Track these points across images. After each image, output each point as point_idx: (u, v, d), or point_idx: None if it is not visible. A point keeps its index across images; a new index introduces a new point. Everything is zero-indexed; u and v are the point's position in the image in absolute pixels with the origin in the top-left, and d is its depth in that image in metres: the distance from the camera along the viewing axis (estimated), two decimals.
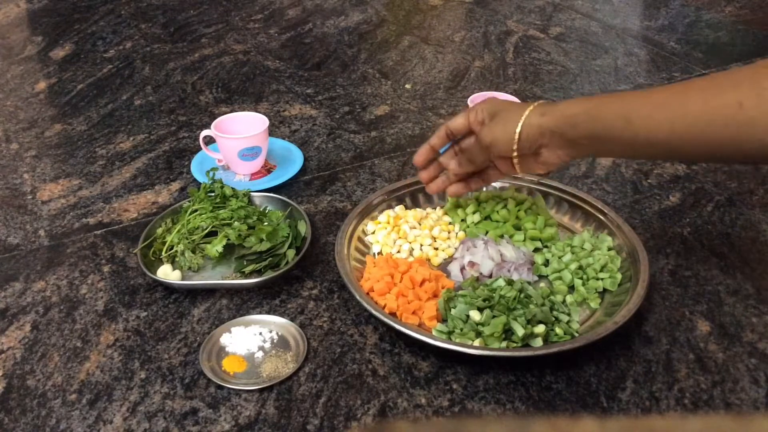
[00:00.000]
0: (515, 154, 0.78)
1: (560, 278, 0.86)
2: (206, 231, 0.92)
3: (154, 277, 0.86)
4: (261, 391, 0.73)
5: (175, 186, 1.09)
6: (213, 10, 1.80)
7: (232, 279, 0.88)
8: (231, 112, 1.20)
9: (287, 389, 0.74)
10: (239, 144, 1.05)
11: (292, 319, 0.82)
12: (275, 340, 0.79)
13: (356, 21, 1.73)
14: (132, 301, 0.86)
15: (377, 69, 1.48)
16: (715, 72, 0.66)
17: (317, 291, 0.87)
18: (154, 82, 1.43)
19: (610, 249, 0.89)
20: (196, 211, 0.94)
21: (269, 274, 0.87)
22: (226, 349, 0.78)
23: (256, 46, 1.60)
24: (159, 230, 0.93)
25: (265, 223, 0.93)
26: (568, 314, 0.80)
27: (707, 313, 0.83)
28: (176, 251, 0.90)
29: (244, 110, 1.25)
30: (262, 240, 0.90)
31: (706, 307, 0.84)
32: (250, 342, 0.78)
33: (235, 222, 0.92)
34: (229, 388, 0.73)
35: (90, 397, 0.73)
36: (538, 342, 0.76)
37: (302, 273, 0.89)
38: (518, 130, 0.76)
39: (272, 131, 1.22)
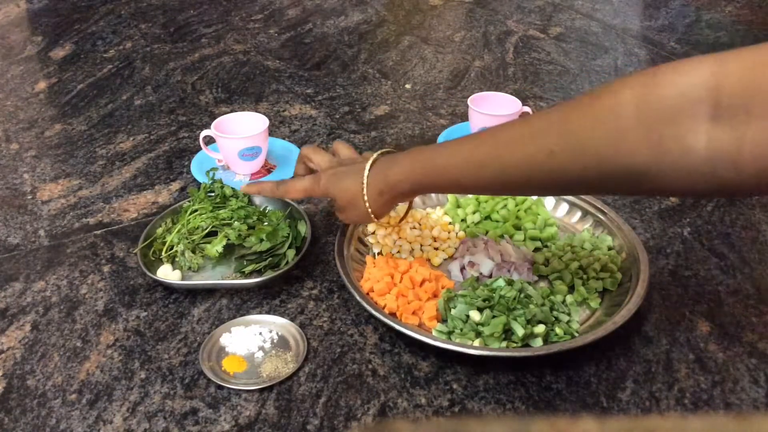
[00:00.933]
0: (374, 219, 0.83)
1: (560, 278, 0.86)
2: (206, 231, 0.92)
3: (154, 277, 0.86)
4: (261, 391, 0.73)
5: (175, 186, 1.09)
6: (213, 10, 1.80)
7: (232, 279, 0.88)
8: (231, 112, 1.20)
9: (287, 389, 0.74)
10: (239, 144, 1.05)
11: (292, 319, 0.82)
12: (275, 340, 0.79)
13: (356, 21, 1.73)
14: (132, 301, 0.86)
15: (377, 69, 1.48)
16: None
17: (317, 291, 0.87)
18: (154, 82, 1.43)
19: (610, 249, 0.89)
20: (196, 211, 0.94)
21: (269, 274, 0.87)
22: (226, 349, 0.78)
23: (256, 46, 1.60)
24: (159, 230, 0.93)
25: (265, 223, 0.93)
26: (568, 314, 0.80)
27: (707, 313, 0.83)
28: (176, 251, 0.90)
29: (244, 110, 1.25)
30: (262, 240, 0.90)
31: (706, 307, 0.84)
32: (250, 342, 0.78)
33: (235, 222, 0.92)
34: (229, 388, 0.73)
35: (90, 397, 0.73)
36: (538, 342, 0.76)
37: (302, 273, 0.89)
38: (370, 211, 0.81)
39: (272, 131, 1.22)
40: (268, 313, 0.83)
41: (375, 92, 1.38)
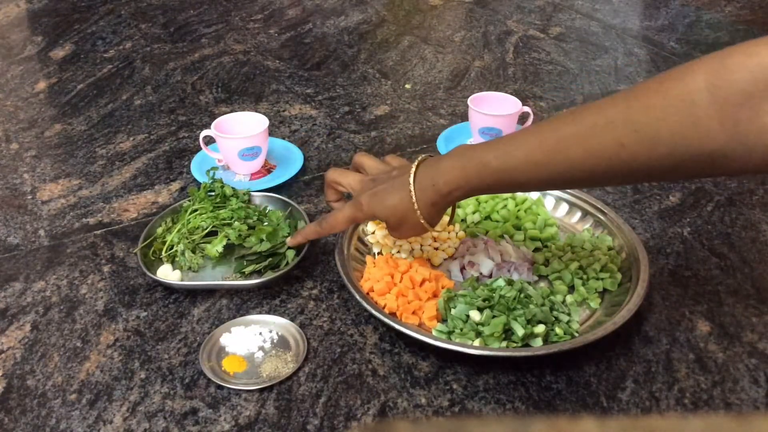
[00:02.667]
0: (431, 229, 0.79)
1: (560, 278, 0.86)
2: (206, 231, 0.92)
3: (153, 277, 0.86)
4: (261, 391, 0.73)
5: (175, 186, 1.09)
6: (213, 10, 1.80)
7: (232, 279, 0.88)
8: (231, 112, 1.20)
9: (287, 389, 0.74)
10: (239, 144, 1.05)
11: (292, 319, 0.82)
12: (275, 340, 0.79)
13: (356, 21, 1.73)
14: (132, 301, 0.86)
15: (377, 69, 1.48)
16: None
17: (317, 291, 0.87)
18: (154, 82, 1.43)
19: (610, 249, 0.89)
20: (196, 210, 0.94)
21: (269, 275, 0.86)
22: (226, 349, 0.78)
23: (256, 46, 1.60)
24: (159, 230, 0.93)
25: (265, 224, 0.93)
26: (568, 314, 0.80)
27: (707, 313, 0.83)
28: (176, 251, 0.90)
29: (244, 110, 1.25)
30: (262, 240, 0.90)
31: (706, 307, 0.84)
32: (250, 342, 0.78)
33: (236, 222, 0.92)
34: (229, 388, 0.73)
35: (90, 397, 0.73)
36: (538, 342, 0.76)
37: (302, 273, 0.89)
38: (426, 224, 0.77)
39: (272, 131, 1.22)
40: (268, 313, 0.83)
41: (375, 92, 1.38)
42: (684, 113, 0.59)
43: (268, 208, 0.99)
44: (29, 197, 1.07)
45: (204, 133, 1.09)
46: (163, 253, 0.90)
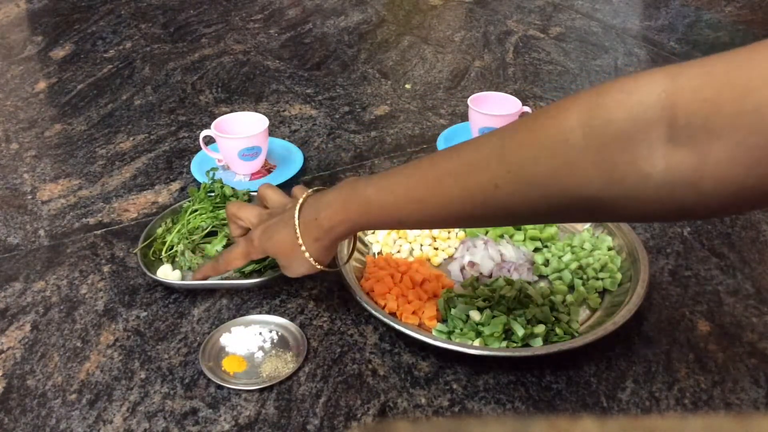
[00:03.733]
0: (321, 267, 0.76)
1: (560, 278, 0.86)
2: (206, 231, 0.92)
3: (153, 277, 0.86)
4: (261, 391, 0.73)
5: (175, 186, 1.09)
6: (213, 10, 1.80)
7: (232, 279, 0.88)
8: (231, 112, 1.20)
9: (287, 389, 0.74)
10: (239, 144, 1.05)
11: (292, 319, 0.82)
12: (275, 340, 0.79)
13: (356, 21, 1.73)
14: (132, 301, 0.86)
15: (377, 69, 1.48)
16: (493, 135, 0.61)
17: (317, 291, 0.87)
18: (154, 82, 1.43)
19: (610, 249, 0.89)
20: (196, 211, 0.94)
21: (269, 274, 0.86)
22: (226, 349, 0.78)
23: (256, 46, 1.60)
24: (159, 230, 0.93)
25: None
26: (568, 314, 0.80)
27: (707, 313, 0.83)
28: (176, 251, 0.90)
29: (244, 110, 1.25)
30: None
31: (706, 307, 0.84)
32: (250, 342, 0.78)
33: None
34: (229, 388, 0.73)
35: (90, 397, 0.73)
36: (538, 342, 0.76)
37: None
38: (313, 261, 0.74)
39: (272, 131, 1.22)
40: (268, 313, 0.83)
41: (375, 92, 1.38)
42: (557, 154, 0.54)
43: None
44: (29, 197, 1.07)
45: (204, 133, 1.09)
46: (163, 253, 0.90)
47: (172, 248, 0.90)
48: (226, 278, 0.88)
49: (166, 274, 0.88)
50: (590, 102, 0.53)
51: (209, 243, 0.91)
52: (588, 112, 0.53)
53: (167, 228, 0.93)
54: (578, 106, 0.53)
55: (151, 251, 0.90)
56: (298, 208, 0.73)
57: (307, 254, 0.73)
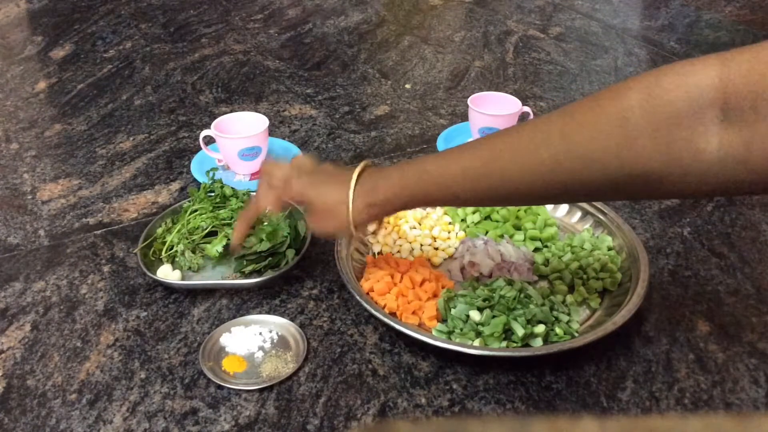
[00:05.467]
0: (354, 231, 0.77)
1: (560, 278, 0.86)
2: (206, 231, 0.92)
3: (154, 277, 0.86)
4: (261, 391, 0.73)
5: (175, 186, 1.09)
6: (213, 10, 1.80)
7: (232, 279, 0.88)
8: (231, 112, 1.20)
9: (287, 389, 0.74)
10: (239, 144, 1.05)
11: (292, 319, 0.82)
12: (275, 340, 0.79)
13: (356, 21, 1.73)
14: (132, 301, 0.86)
15: (377, 69, 1.48)
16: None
17: (317, 291, 0.87)
18: (154, 82, 1.43)
19: (610, 249, 0.89)
20: (195, 211, 0.94)
21: (269, 274, 0.87)
22: (226, 349, 0.78)
23: (256, 46, 1.60)
24: (159, 230, 0.93)
25: (265, 223, 0.93)
26: (569, 314, 0.80)
27: (707, 313, 0.83)
28: (176, 251, 0.90)
29: (244, 110, 1.25)
30: (261, 240, 0.89)
31: (706, 307, 0.84)
32: (250, 342, 0.78)
33: (235, 222, 0.92)
34: (229, 388, 0.73)
35: (90, 397, 0.73)
36: (538, 342, 0.76)
37: (302, 273, 0.89)
38: (352, 222, 0.74)
39: (272, 131, 1.22)
40: (268, 313, 0.83)
41: (375, 92, 1.38)
42: (617, 133, 0.58)
43: (268, 209, 0.98)
44: (29, 197, 1.07)
45: (204, 133, 1.09)
46: (163, 253, 0.90)
47: (172, 248, 0.90)
48: (226, 278, 0.88)
49: (166, 274, 0.88)
50: (650, 83, 0.57)
51: (209, 243, 0.91)
52: (647, 92, 0.57)
53: (167, 228, 0.93)
54: (638, 87, 0.57)
55: (151, 251, 0.90)
56: (357, 172, 0.74)
57: (351, 215, 0.74)
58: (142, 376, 0.76)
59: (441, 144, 1.17)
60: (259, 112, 1.13)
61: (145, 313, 0.84)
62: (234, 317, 0.82)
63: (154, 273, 0.87)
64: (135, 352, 0.78)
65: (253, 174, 1.10)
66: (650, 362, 0.76)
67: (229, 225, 0.92)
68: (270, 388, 0.74)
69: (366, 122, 1.27)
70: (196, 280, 0.88)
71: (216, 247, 0.89)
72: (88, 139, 1.22)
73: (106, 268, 0.91)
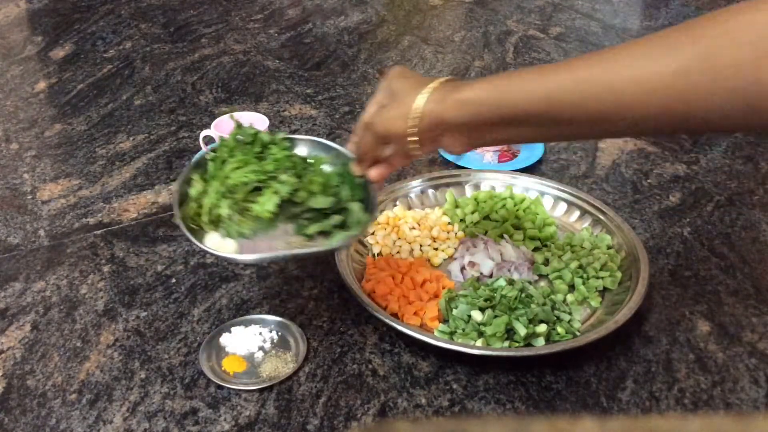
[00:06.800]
0: (413, 140, 0.68)
1: (560, 277, 0.86)
2: (252, 187, 0.76)
3: (215, 252, 0.72)
4: (261, 391, 0.73)
5: (175, 186, 1.09)
6: (213, 10, 1.80)
7: (302, 246, 0.74)
8: (231, 112, 1.20)
9: (287, 389, 0.74)
10: None
11: (292, 319, 0.82)
12: (275, 340, 0.79)
13: (356, 21, 1.73)
14: (132, 301, 0.86)
15: (377, 69, 1.48)
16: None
17: (317, 291, 0.87)
18: (154, 82, 1.43)
19: (609, 247, 0.89)
20: (227, 163, 0.78)
21: (340, 235, 0.74)
22: (226, 349, 0.78)
23: (256, 46, 1.60)
24: (193, 191, 0.76)
25: (314, 173, 0.79)
26: (569, 313, 0.80)
27: (707, 313, 0.83)
28: (220, 215, 0.74)
29: (244, 110, 1.25)
30: (313, 194, 0.76)
31: (706, 307, 0.84)
32: (250, 342, 0.78)
33: (283, 174, 0.76)
34: (229, 388, 0.73)
35: (90, 397, 0.73)
36: (540, 342, 0.76)
37: (302, 273, 0.89)
38: (414, 119, 0.66)
39: (272, 131, 1.22)
40: (268, 313, 0.83)
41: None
42: (759, 46, 0.53)
43: (311, 154, 0.83)
44: (29, 197, 1.07)
45: (204, 133, 1.09)
46: (204, 217, 0.74)
47: (211, 212, 0.75)
48: (291, 244, 0.76)
49: (218, 244, 0.73)
50: None
51: (256, 202, 0.75)
52: None
53: (204, 190, 0.76)
54: None
55: (188, 217, 0.75)
56: (436, 83, 0.67)
57: (420, 100, 0.65)
58: (142, 376, 0.76)
59: None
60: (259, 112, 1.13)
61: (145, 313, 0.84)
62: (234, 317, 0.82)
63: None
64: (135, 352, 0.78)
65: None
66: (650, 362, 0.76)
67: (274, 178, 0.76)
68: (270, 388, 0.74)
69: None
70: (262, 251, 0.74)
71: (266, 206, 0.74)
72: (88, 139, 1.22)
73: (106, 268, 0.91)
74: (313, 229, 0.75)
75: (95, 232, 0.99)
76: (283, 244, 0.74)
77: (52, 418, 0.71)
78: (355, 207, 0.76)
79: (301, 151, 0.82)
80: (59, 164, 1.15)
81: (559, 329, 0.77)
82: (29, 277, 0.90)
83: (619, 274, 0.85)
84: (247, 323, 0.81)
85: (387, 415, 0.71)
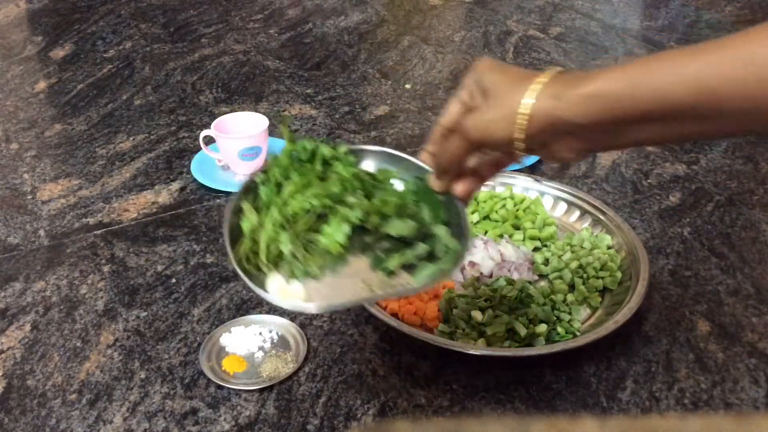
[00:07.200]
0: (520, 147, 0.55)
1: (560, 277, 0.86)
2: (316, 215, 0.63)
3: (281, 304, 0.60)
4: (261, 391, 0.73)
5: (175, 186, 1.09)
6: (213, 10, 1.80)
7: (389, 285, 0.61)
8: (231, 112, 1.20)
9: (287, 389, 0.74)
10: (239, 144, 1.05)
11: (292, 319, 0.82)
12: (275, 340, 0.79)
13: (356, 21, 1.73)
14: (132, 301, 0.86)
15: (377, 69, 1.48)
16: None
17: None
18: (154, 82, 1.43)
19: (609, 247, 0.89)
20: (281, 185, 0.65)
21: (428, 268, 0.61)
22: (226, 349, 0.78)
23: (256, 46, 1.60)
24: (246, 225, 0.63)
25: (386, 192, 0.64)
26: (570, 313, 0.80)
27: (707, 313, 0.83)
28: (281, 253, 0.61)
29: (244, 110, 1.25)
30: (386, 217, 0.62)
31: (706, 307, 0.84)
32: (250, 342, 0.78)
33: (350, 197, 0.63)
34: (229, 388, 0.73)
35: (90, 397, 0.73)
36: (541, 342, 0.76)
37: None
38: (522, 121, 0.54)
39: (272, 131, 1.22)
40: (268, 313, 0.83)
41: (375, 92, 1.38)
42: None
43: (377, 167, 0.68)
44: (29, 197, 1.07)
45: (204, 133, 1.09)
46: (261, 256, 0.61)
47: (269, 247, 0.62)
48: (370, 284, 0.62)
49: (284, 288, 0.61)
50: None
51: (322, 232, 0.62)
52: None
53: (259, 222, 0.63)
54: None
55: (240, 256, 0.62)
56: (552, 72, 0.55)
57: (529, 97, 0.54)
58: (142, 376, 0.76)
59: None
60: (259, 112, 1.13)
61: (145, 313, 0.84)
62: (234, 317, 0.82)
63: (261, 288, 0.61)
64: (135, 352, 0.78)
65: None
66: (650, 362, 0.76)
67: (342, 202, 0.63)
68: (270, 388, 0.74)
69: (366, 122, 1.27)
70: (334, 293, 0.60)
71: (336, 236, 0.61)
72: (88, 139, 1.22)
73: (106, 268, 0.91)
74: (393, 262, 0.62)
75: (95, 232, 0.99)
76: (361, 283, 0.61)
77: (52, 418, 0.71)
78: (442, 232, 0.62)
79: (366, 164, 0.68)
80: (59, 164, 1.15)
81: (559, 329, 0.77)
82: (29, 277, 0.90)
83: (619, 274, 0.85)
84: (247, 323, 0.81)
85: (387, 415, 0.71)
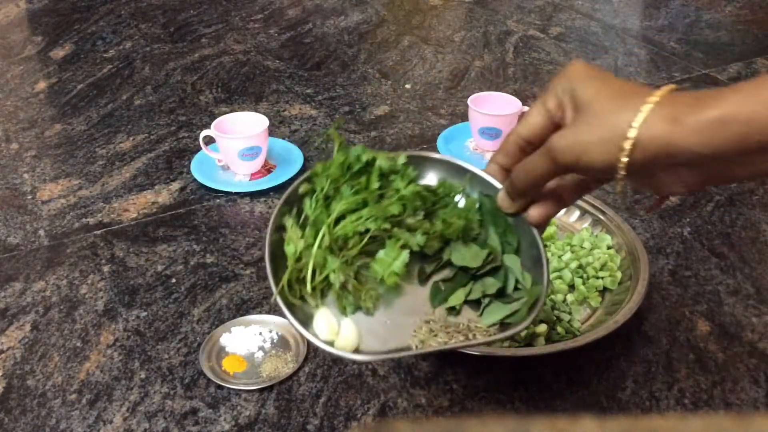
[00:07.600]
0: (621, 177, 0.48)
1: (560, 277, 0.86)
2: (367, 237, 0.55)
3: (330, 350, 0.53)
4: (261, 391, 0.73)
5: (175, 186, 1.09)
6: (213, 10, 1.80)
7: (458, 331, 0.53)
8: (231, 112, 1.20)
9: (287, 389, 0.74)
10: (239, 144, 1.05)
11: None
12: (275, 340, 0.79)
13: (356, 21, 1.73)
14: (132, 301, 0.86)
15: (377, 69, 1.48)
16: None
17: None
18: (154, 82, 1.43)
19: (609, 247, 0.89)
20: (326, 203, 0.55)
21: (501, 310, 0.53)
22: (226, 349, 0.78)
23: (256, 46, 1.60)
24: (289, 248, 0.54)
25: (449, 211, 0.56)
26: (570, 313, 0.80)
27: (707, 313, 0.83)
28: (330, 284, 0.54)
29: (244, 110, 1.25)
30: (448, 242, 0.55)
31: (706, 307, 0.84)
32: (250, 342, 0.78)
33: (409, 218, 0.55)
34: (229, 388, 0.73)
35: (90, 397, 0.73)
36: (540, 342, 0.76)
37: None
38: (629, 147, 0.46)
39: (272, 131, 1.22)
40: (268, 313, 0.83)
41: (375, 92, 1.38)
42: None
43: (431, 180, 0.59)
44: (29, 197, 1.07)
45: (204, 133, 1.09)
46: (308, 288, 0.54)
47: (315, 274, 0.54)
48: (433, 334, 0.54)
49: (332, 326, 0.54)
50: None
51: (375, 259, 0.54)
52: None
53: (306, 244, 0.54)
54: None
55: (282, 285, 0.54)
56: (665, 89, 0.48)
57: (637, 119, 0.46)
58: (142, 376, 0.76)
59: (441, 144, 1.17)
60: (259, 112, 1.13)
61: (145, 313, 0.84)
62: (234, 317, 0.82)
63: (305, 325, 0.54)
64: (135, 352, 0.78)
65: (253, 174, 1.10)
66: (650, 362, 0.76)
67: (400, 225, 0.55)
68: (270, 388, 0.74)
69: (366, 122, 1.27)
70: (393, 339, 0.53)
71: (393, 267, 0.53)
72: (88, 139, 1.22)
73: (106, 268, 0.91)
74: (457, 299, 0.54)
75: (95, 232, 0.99)
76: (420, 323, 0.53)
77: (52, 418, 0.71)
78: (514, 264, 0.54)
79: (424, 175, 0.59)
80: (59, 164, 1.15)
81: (559, 329, 0.77)
82: (29, 277, 0.90)
83: (619, 274, 0.85)
84: (247, 323, 0.81)
85: (387, 415, 0.71)
